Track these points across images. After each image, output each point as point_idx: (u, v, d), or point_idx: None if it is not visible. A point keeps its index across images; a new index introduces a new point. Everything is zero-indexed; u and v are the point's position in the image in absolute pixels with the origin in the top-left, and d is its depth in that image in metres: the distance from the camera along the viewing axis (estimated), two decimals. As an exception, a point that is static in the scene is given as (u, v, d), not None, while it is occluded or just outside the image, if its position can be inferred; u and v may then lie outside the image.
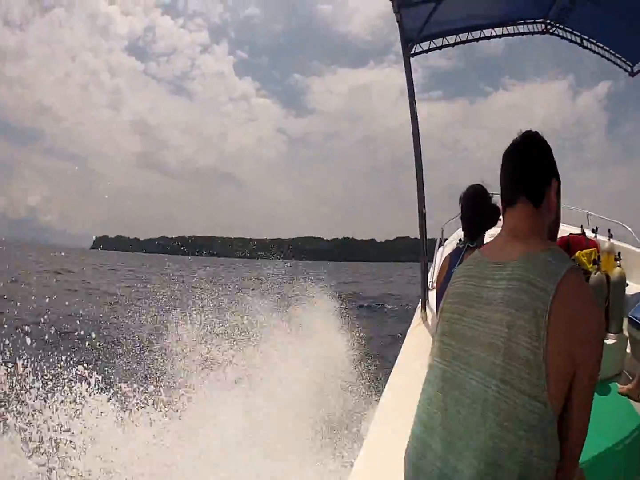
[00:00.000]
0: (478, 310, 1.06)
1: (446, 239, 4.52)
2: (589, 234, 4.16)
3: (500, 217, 2.09)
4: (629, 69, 3.77)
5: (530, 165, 1.13)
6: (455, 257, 2.19)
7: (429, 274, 3.26)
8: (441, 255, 3.73)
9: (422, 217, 2.97)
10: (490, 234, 1.95)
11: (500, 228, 1.19)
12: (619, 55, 3.84)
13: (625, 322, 2.98)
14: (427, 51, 3.39)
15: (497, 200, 2.12)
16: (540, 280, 0.97)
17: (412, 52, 3.21)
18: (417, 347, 2.20)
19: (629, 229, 4.31)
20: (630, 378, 2.73)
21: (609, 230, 4.05)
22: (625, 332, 2.98)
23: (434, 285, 3.21)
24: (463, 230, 2.30)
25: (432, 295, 2.94)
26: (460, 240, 2.33)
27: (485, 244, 1.30)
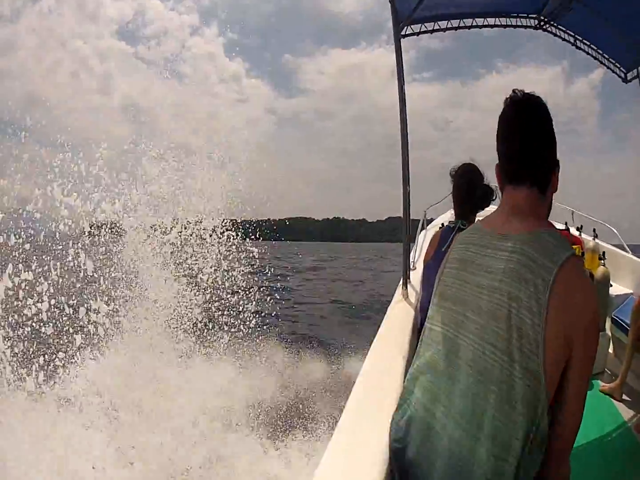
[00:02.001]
0: (479, 278, 1.05)
1: (430, 222, 4.49)
2: (574, 231, 4.16)
3: (494, 198, 2.04)
4: (622, 75, 3.64)
5: (541, 149, 1.08)
6: (445, 234, 2.15)
7: (411, 254, 3.27)
8: (423, 237, 3.78)
9: (407, 196, 2.93)
10: (480, 215, 1.94)
11: (500, 204, 1.16)
12: (612, 61, 3.70)
13: (609, 322, 3.03)
14: (418, 34, 3.28)
15: (489, 180, 2.13)
16: (541, 259, 0.96)
17: (403, 33, 3.14)
18: (398, 323, 2.20)
19: (614, 230, 4.31)
20: (613, 377, 2.80)
21: (594, 230, 4.11)
22: (608, 332, 3.03)
23: (415, 265, 3.27)
24: (455, 210, 2.24)
25: (413, 274, 2.99)
26: (449, 222, 2.28)
27: (484, 217, 1.24)
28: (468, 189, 2.15)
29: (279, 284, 13.33)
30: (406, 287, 2.79)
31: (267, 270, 9.89)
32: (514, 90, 1.12)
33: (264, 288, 9.97)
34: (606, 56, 3.68)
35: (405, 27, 3.17)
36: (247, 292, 7.25)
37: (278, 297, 9.72)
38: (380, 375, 1.62)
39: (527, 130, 1.08)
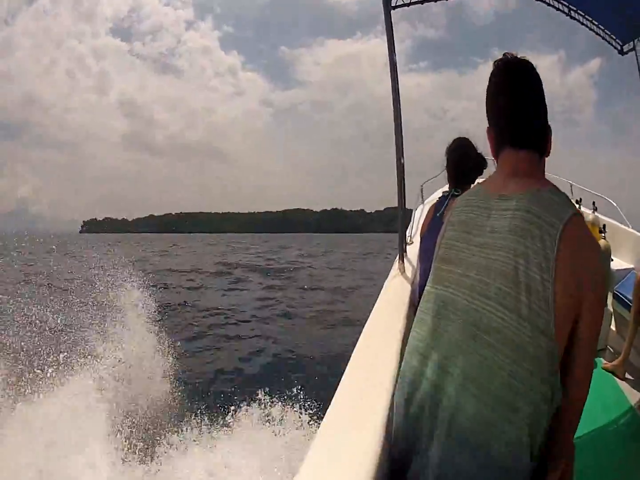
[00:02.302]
0: (482, 238, 1.02)
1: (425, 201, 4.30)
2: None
3: (486, 167, 2.04)
4: (618, 47, 3.53)
5: (538, 110, 1.07)
6: (440, 204, 2.16)
7: (407, 230, 3.18)
8: (420, 212, 3.67)
9: (401, 169, 2.83)
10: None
11: (498, 167, 1.12)
12: (608, 32, 3.57)
13: (610, 297, 2.96)
14: (408, 4, 3.15)
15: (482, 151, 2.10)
16: (547, 215, 0.94)
17: (394, 4, 3.02)
18: (395, 297, 2.14)
19: (614, 203, 4.17)
20: (615, 354, 2.75)
21: (594, 203, 4.04)
22: (610, 308, 2.95)
23: (412, 239, 3.19)
24: (449, 180, 2.24)
25: (409, 249, 2.90)
26: (443, 192, 2.28)
27: (483, 180, 1.20)
28: (461, 160, 2.15)
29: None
30: (402, 261, 2.68)
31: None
32: (504, 54, 1.09)
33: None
34: (602, 27, 3.56)
35: None
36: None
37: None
38: (375, 352, 1.54)
39: (525, 90, 1.06)
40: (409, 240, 3.11)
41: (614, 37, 3.52)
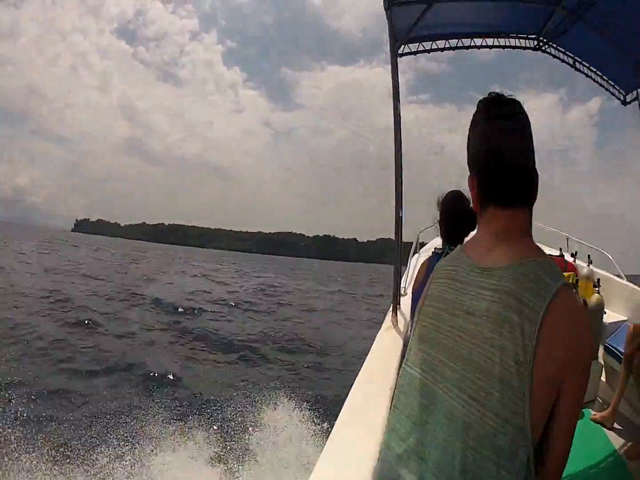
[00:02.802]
0: (459, 320, 0.96)
1: (422, 246, 4.43)
2: (568, 257, 4.12)
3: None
4: (621, 97, 3.63)
5: (526, 162, 0.97)
6: (434, 262, 2.14)
7: (402, 280, 3.19)
8: (415, 261, 3.70)
9: (399, 220, 2.89)
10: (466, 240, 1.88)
11: (481, 226, 1.03)
12: (612, 82, 3.69)
13: (601, 349, 3.01)
14: (415, 53, 3.26)
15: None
16: (529, 296, 0.87)
17: (400, 52, 3.13)
18: (387, 351, 2.18)
19: (609, 256, 4.24)
20: (605, 406, 2.74)
21: (589, 256, 4.03)
22: (601, 360, 3.00)
23: (406, 291, 3.17)
24: (441, 236, 2.26)
25: (404, 300, 2.89)
26: (435, 248, 2.30)
27: (467, 241, 1.12)
28: (453, 215, 2.17)
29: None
30: (396, 314, 2.69)
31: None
32: (489, 93, 0.99)
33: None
34: (605, 78, 3.67)
35: (403, 46, 3.15)
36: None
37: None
38: (364, 411, 1.54)
39: (512, 138, 0.95)
40: (403, 292, 3.09)
41: (617, 88, 3.63)
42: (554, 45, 3.61)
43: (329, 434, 1.35)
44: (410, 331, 2.25)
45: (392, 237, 2.90)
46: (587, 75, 3.75)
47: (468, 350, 0.92)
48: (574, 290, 2.92)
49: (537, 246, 0.97)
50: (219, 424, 5.15)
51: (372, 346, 2.26)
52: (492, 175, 0.97)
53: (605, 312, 3.31)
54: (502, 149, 0.95)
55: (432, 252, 2.28)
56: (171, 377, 6.71)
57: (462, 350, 0.93)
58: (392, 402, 1.11)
